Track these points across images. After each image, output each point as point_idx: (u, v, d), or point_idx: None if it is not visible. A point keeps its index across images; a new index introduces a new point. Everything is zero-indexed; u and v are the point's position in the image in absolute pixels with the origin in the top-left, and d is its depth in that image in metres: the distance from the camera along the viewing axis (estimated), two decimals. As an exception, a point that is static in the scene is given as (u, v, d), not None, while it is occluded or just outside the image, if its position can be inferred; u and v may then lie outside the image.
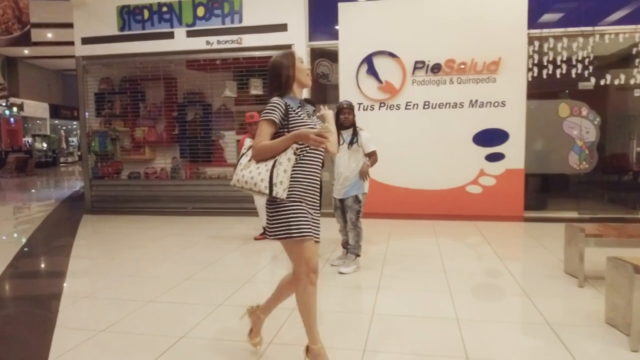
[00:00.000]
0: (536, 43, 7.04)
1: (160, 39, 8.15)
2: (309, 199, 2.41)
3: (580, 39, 6.98)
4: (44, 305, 3.89)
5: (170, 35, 8.13)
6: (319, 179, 2.47)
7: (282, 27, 7.67)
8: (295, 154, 2.30)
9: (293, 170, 2.31)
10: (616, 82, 7.00)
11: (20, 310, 3.84)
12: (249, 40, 7.84)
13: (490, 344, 2.88)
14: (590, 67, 6.96)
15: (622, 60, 7.31)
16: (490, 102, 7.06)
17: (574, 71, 7.02)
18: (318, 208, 2.49)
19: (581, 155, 7.21)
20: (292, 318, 3.20)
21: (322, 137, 2.25)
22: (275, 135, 2.36)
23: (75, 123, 24.85)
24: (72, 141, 25.49)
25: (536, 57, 7.05)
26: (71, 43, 8.80)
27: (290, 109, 2.37)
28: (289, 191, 2.30)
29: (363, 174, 4.39)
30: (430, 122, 7.22)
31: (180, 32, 8.10)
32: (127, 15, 8.28)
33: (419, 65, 7.22)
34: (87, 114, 8.93)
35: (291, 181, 2.31)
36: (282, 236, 2.35)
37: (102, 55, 8.51)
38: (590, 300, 3.57)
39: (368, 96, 7.36)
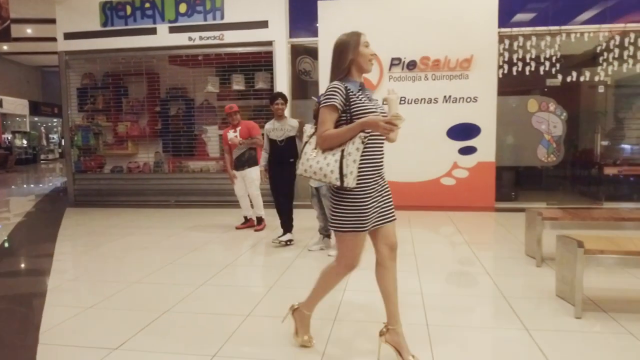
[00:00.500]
0: (506, 41, 7.38)
1: (143, 35, 8.28)
2: (374, 184, 2.34)
3: (548, 38, 7.33)
4: (32, 286, 4.05)
5: (152, 31, 8.27)
6: (382, 160, 2.40)
7: (263, 24, 7.88)
8: (363, 142, 2.22)
9: (360, 159, 2.26)
10: (582, 79, 7.37)
11: (9, 291, 3.99)
12: (231, 36, 8.03)
13: (450, 314, 3.15)
14: (558, 65, 7.32)
15: (587, 58, 7.68)
16: (463, 98, 7.38)
17: (542, 68, 7.37)
18: (387, 188, 2.45)
19: (549, 149, 7.57)
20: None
21: (392, 125, 2.18)
22: (337, 124, 2.30)
23: (55, 120, 24.66)
24: (53, 138, 25.25)
25: (506, 55, 7.40)
26: (52, 39, 8.86)
27: (350, 93, 2.30)
28: (357, 178, 2.26)
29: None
30: (406, 116, 7.44)
31: (162, 28, 8.25)
32: (109, 11, 8.39)
33: (395, 62, 7.51)
34: (69, 111, 9.00)
35: (358, 169, 2.26)
36: (346, 229, 2.31)
37: (85, 51, 8.61)
38: (545, 277, 3.87)
39: (346, 92, 7.61)
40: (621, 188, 7.90)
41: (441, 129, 7.46)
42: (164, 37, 8.25)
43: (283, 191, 5.23)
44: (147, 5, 8.25)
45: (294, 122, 5.23)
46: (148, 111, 9.01)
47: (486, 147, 7.38)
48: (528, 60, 7.36)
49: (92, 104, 9.14)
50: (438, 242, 5.59)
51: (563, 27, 7.31)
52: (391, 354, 2.42)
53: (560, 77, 7.36)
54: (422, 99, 7.49)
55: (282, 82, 7.91)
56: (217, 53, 8.27)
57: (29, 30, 13.92)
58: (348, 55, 2.34)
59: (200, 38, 8.13)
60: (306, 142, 2.38)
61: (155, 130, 9.06)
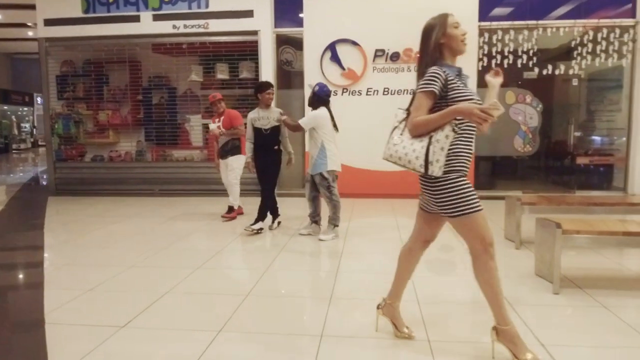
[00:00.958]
0: (486, 35, 7.62)
1: (126, 22, 8.20)
2: (466, 172, 2.27)
3: (526, 32, 7.60)
4: (28, 271, 4.08)
5: (136, 19, 8.20)
6: (473, 150, 2.32)
7: (249, 13, 7.91)
8: (454, 130, 2.12)
9: (454, 145, 2.18)
10: (557, 72, 7.67)
11: (5, 275, 4.02)
12: (216, 25, 8.03)
13: (435, 291, 3.35)
14: (534, 58, 7.60)
15: (563, 52, 7.99)
16: (444, 89, 7.58)
17: (519, 61, 7.64)
18: None
19: (525, 139, 7.88)
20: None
21: (487, 115, 2.00)
22: (432, 110, 2.20)
23: (26, 109, 24.01)
24: (25, 127, 24.61)
25: (486, 48, 7.64)
26: (22, 25, 8.60)
27: (449, 78, 2.22)
28: (453, 165, 2.19)
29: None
30: (390, 107, 7.63)
31: (146, 15, 8.18)
32: (91, -3, 8.28)
33: (379, 53, 7.66)
34: (43, 100, 8.86)
35: (453, 156, 2.18)
36: (465, 212, 2.18)
37: (66, 38, 8.46)
38: (524, 259, 4.12)
39: (332, 82, 7.73)
40: (592, 177, 8.28)
41: (423, 120, 7.65)
42: (147, 24, 8.18)
43: (266, 179, 5.33)
44: (130, -8, 8.17)
45: (277, 111, 5.36)
46: (130, 99, 8.94)
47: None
48: (506, 54, 7.62)
49: (72, 92, 9.02)
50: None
51: (540, 22, 7.58)
52: (388, 326, 2.60)
53: (536, 70, 7.63)
54: (404, 90, 7.66)
55: (267, 72, 7.97)
56: (201, 42, 8.26)
57: (-1, 16, 13.53)
58: (435, 38, 2.28)
59: (185, 26, 8.10)
60: (395, 127, 2.31)
61: (137, 119, 9.01)
